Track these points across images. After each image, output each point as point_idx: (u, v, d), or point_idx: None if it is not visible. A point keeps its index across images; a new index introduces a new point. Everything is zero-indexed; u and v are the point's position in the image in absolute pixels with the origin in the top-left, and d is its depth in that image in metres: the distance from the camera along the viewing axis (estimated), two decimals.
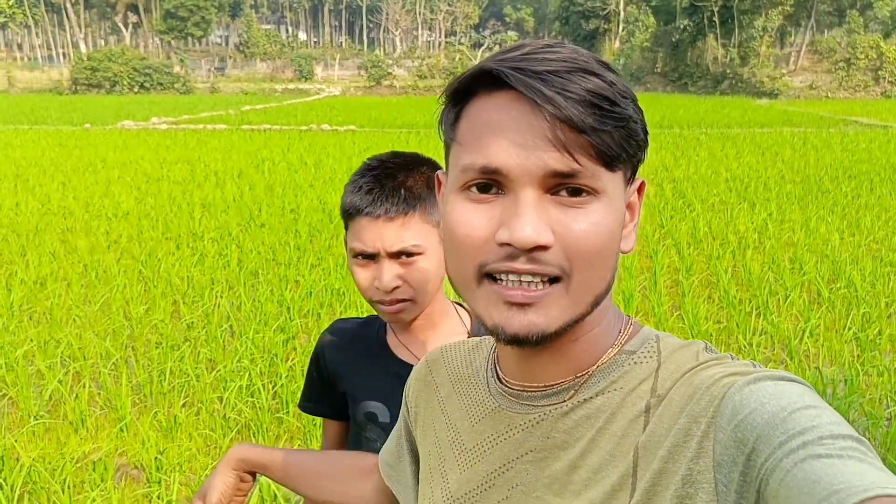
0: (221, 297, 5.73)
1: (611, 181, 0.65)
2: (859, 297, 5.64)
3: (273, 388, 4.21)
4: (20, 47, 67.45)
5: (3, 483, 3.17)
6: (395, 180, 1.22)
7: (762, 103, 37.08)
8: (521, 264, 0.64)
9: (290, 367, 4.43)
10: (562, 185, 0.64)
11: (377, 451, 1.28)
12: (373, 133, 19.14)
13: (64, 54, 62.98)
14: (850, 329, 5.06)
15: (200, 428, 3.84)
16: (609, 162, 0.64)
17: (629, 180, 0.70)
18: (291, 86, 49.52)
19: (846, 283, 5.98)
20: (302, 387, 1.51)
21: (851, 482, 0.48)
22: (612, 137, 0.63)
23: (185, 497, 3.22)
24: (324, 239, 7.60)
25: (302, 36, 75.33)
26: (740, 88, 45.86)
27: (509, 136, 0.63)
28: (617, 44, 58.16)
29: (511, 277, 0.64)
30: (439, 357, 0.92)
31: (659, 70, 51.21)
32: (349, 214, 1.23)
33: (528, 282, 0.64)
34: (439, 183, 0.80)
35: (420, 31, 72.93)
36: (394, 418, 1.25)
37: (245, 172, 12.23)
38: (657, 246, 7.22)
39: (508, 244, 0.63)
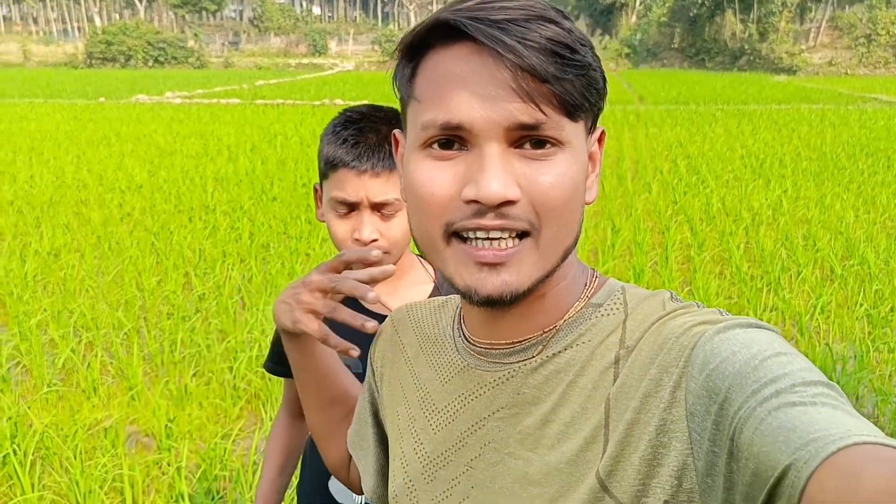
0: (233, 269, 5.77)
1: (574, 131, 0.64)
2: (872, 274, 5.60)
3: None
4: (35, 21, 67.49)
5: (17, 448, 3.22)
6: (378, 134, 1.23)
7: (780, 80, 36.61)
8: (489, 220, 0.62)
9: None
10: (526, 138, 0.62)
11: None
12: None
13: (79, 28, 63.02)
14: (861, 306, 5.02)
15: (210, 397, 3.88)
16: (572, 111, 0.63)
17: (590, 130, 0.68)
18: (305, 61, 49.37)
19: (860, 261, 5.93)
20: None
21: (828, 430, 0.47)
22: (574, 86, 0.62)
23: (195, 464, 3.27)
24: None
25: (316, 10, 74.87)
26: (758, 64, 45.32)
27: (471, 89, 0.61)
28: (634, 18, 57.47)
29: (479, 235, 0.63)
30: (405, 316, 0.90)
31: (676, 46, 50.61)
32: (333, 166, 1.24)
33: (498, 238, 0.63)
34: (396, 142, 0.78)
35: (434, 6, 72.34)
36: (363, 371, 1.32)
37: (258, 147, 12.24)
38: (669, 222, 7.18)
39: (475, 201, 0.62)
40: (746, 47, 46.58)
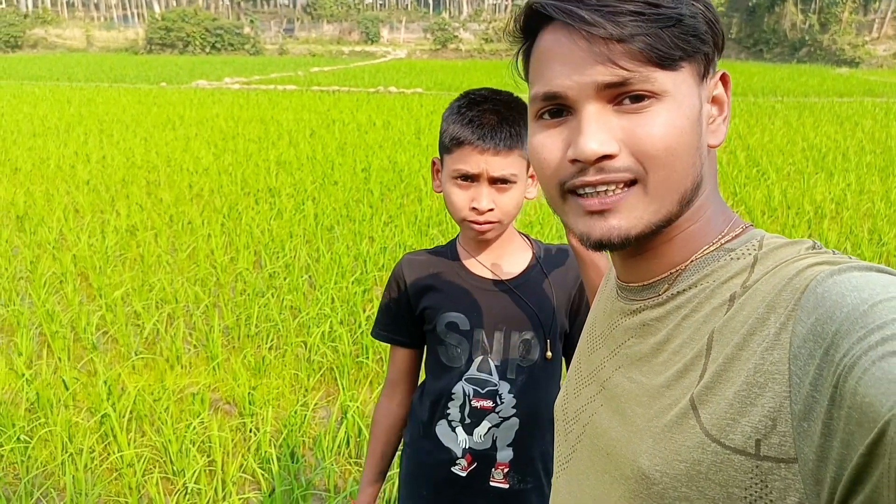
0: (301, 249, 5.96)
1: (672, 80, 0.67)
2: None
3: (352, 335, 4.40)
4: (97, 7, 69.26)
5: (113, 409, 3.44)
6: (499, 115, 1.36)
7: (842, 72, 35.59)
8: (591, 176, 0.68)
9: (368, 316, 4.62)
10: (622, 95, 0.67)
11: (455, 356, 1.47)
12: (440, 96, 19.18)
13: (138, 14, 64.43)
14: None
15: (287, 369, 4.06)
16: (663, 63, 0.66)
17: (704, 75, 0.71)
18: (358, 48, 49.71)
19: None
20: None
21: None
22: (662, 39, 0.65)
23: (276, 430, 3.45)
24: (395, 197, 7.77)
25: None
26: (819, 56, 44.10)
27: (560, 60, 0.69)
28: None
29: (588, 190, 0.70)
30: None
31: (733, 36, 49.52)
32: (458, 143, 1.37)
33: (604, 190, 0.69)
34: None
35: None
36: (473, 325, 1.46)
37: (317, 132, 12.47)
38: None
39: (577, 160, 0.69)
40: (807, 38, 45.38)
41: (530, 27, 0.74)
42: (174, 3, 66.72)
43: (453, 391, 1.47)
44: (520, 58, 0.78)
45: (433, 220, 6.77)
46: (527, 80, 0.77)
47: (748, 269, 0.69)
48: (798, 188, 8.40)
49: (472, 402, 1.46)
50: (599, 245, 0.71)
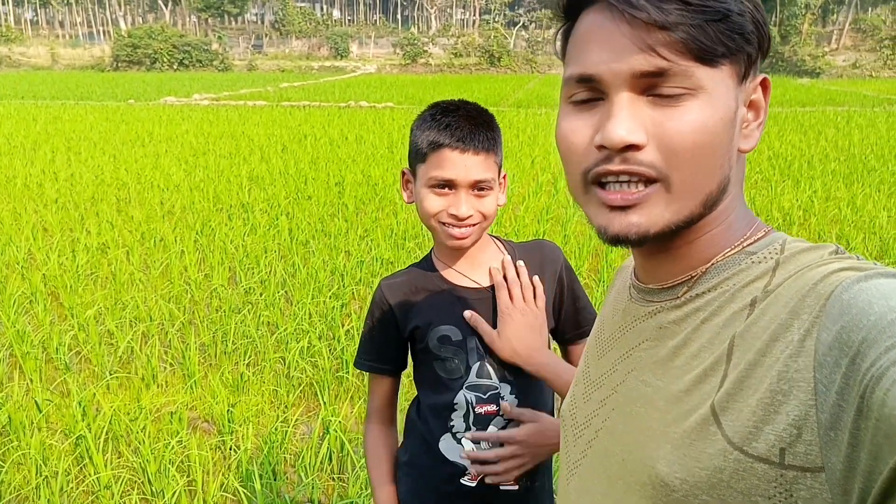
0: (276, 265, 5.92)
1: (711, 78, 0.65)
2: None
3: (331, 350, 4.37)
4: (62, 24, 68.48)
5: (88, 429, 3.37)
6: (474, 121, 1.38)
7: (803, 82, 36.37)
8: (615, 165, 0.66)
9: (347, 330, 4.59)
10: (657, 85, 0.65)
11: (453, 368, 1.45)
12: (411, 109, 19.24)
13: (104, 32, 63.83)
14: None
15: (266, 385, 4.02)
16: (704, 57, 0.64)
17: (744, 77, 0.69)
18: (328, 63, 49.69)
19: (894, 260, 5.97)
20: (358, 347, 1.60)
21: None
22: (706, 32, 0.63)
23: (256, 447, 3.40)
24: (370, 211, 7.75)
25: (336, 14, 75.36)
26: (781, 67, 45.00)
27: (599, 44, 0.66)
28: None
29: (611, 179, 0.67)
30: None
31: None
32: (435, 147, 1.36)
33: (626, 182, 0.67)
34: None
35: (454, 9, 72.52)
36: (465, 334, 1.45)
37: (288, 147, 12.42)
38: None
39: (604, 146, 0.66)
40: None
41: (573, 8, 0.72)
42: (140, 20, 66.24)
43: (455, 402, 1.45)
44: (559, 38, 0.76)
45: (409, 234, 6.77)
46: (562, 58, 0.76)
47: (770, 272, 0.67)
48: (766, 196, 8.54)
49: (475, 410, 1.44)
50: (616, 240, 0.69)
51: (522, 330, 1.39)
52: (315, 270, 5.66)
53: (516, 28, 63.99)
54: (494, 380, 1.44)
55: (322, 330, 4.60)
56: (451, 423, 1.46)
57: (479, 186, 1.37)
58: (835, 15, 51.33)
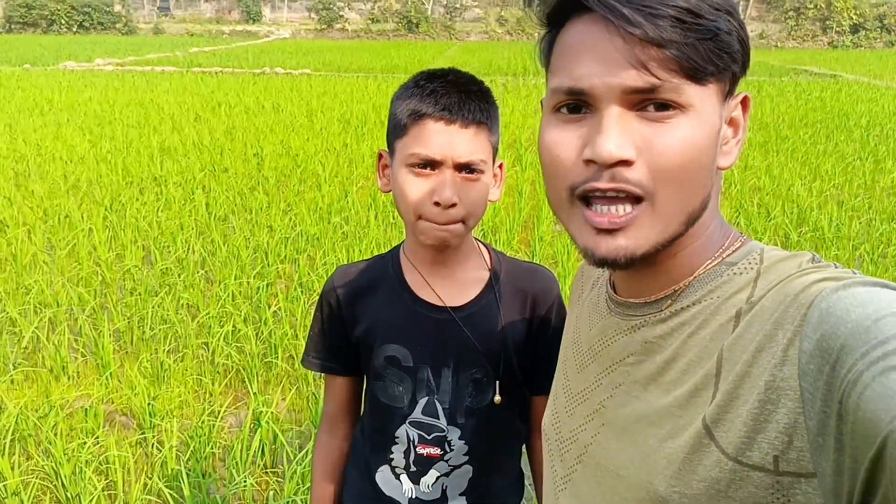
0: (194, 242, 5.60)
1: (699, 95, 0.65)
2: (827, 241, 5.80)
3: (258, 334, 4.15)
4: None
5: None
6: (465, 88, 1.15)
7: None
8: (603, 183, 0.65)
9: (274, 312, 4.37)
10: (647, 101, 0.65)
11: (396, 396, 1.24)
12: (329, 77, 18.67)
13: None
14: None
15: (189, 374, 3.77)
16: (695, 75, 0.64)
17: (727, 94, 0.69)
18: (239, 27, 47.89)
19: (813, 228, 6.14)
20: (306, 340, 1.39)
21: None
22: (698, 50, 0.63)
23: (182, 443, 3.18)
24: (292, 184, 7.45)
25: None
26: None
27: (591, 56, 0.65)
28: None
29: (598, 203, 0.67)
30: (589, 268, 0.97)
31: None
32: (417, 117, 1.13)
33: (614, 199, 0.66)
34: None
35: None
36: (417, 361, 1.22)
37: (202, 116, 11.86)
38: None
39: (592, 161, 0.65)
40: None
41: (558, 15, 0.70)
42: None
43: (396, 435, 1.26)
44: (541, 45, 0.74)
45: (334, 208, 6.52)
46: (546, 66, 0.74)
47: (751, 283, 0.68)
48: None
49: (416, 449, 1.25)
50: (603, 263, 0.69)
51: None
52: (236, 248, 5.38)
53: None
54: (442, 420, 1.24)
55: (247, 312, 4.36)
56: (391, 456, 1.28)
57: (467, 168, 1.13)
58: None
